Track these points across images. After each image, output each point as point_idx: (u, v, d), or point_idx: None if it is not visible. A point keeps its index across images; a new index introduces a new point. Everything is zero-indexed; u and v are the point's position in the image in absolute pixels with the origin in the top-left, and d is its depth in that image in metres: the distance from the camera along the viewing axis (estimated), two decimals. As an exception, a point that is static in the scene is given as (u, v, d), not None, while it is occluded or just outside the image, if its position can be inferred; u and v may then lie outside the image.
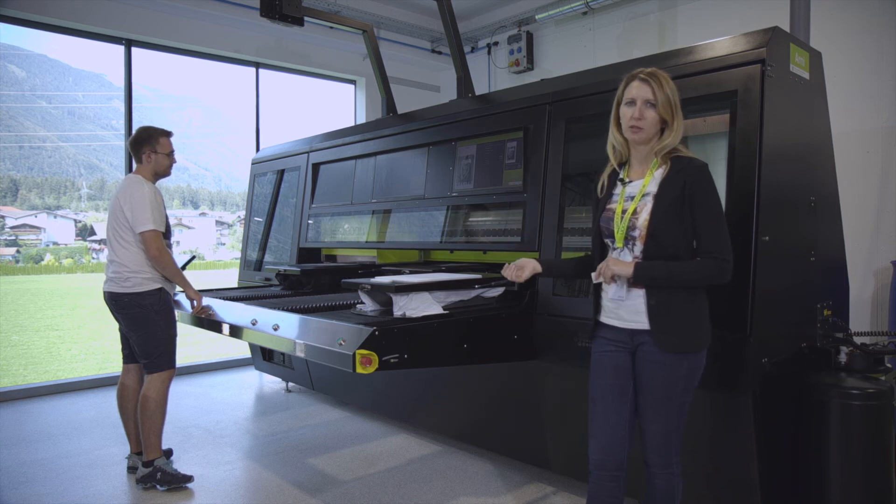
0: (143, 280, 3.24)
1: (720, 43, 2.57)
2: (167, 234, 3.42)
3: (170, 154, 3.44)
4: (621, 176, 2.12)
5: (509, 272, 2.28)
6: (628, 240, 2.02)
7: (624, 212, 2.04)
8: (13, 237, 27.36)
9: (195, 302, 3.40)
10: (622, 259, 2.04)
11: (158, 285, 3.29)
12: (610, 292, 2.08)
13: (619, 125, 2.10)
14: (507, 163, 3.39)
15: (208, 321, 3.34)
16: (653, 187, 2.01)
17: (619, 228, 2.04)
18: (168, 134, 3.46)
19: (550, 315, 2.90)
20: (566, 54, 6.60)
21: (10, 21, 5.11)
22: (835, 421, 2.34)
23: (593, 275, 2.09)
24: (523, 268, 2.26)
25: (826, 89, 2.86)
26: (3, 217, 27.82)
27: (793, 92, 2.58)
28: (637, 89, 2.01)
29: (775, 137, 2.41)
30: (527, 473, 3.32)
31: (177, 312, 3.49)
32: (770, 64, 2.39)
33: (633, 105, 2.01)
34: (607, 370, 2.09)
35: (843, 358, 2.54)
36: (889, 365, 2.57)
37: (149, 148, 3.37)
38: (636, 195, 2.03)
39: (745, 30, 2.56)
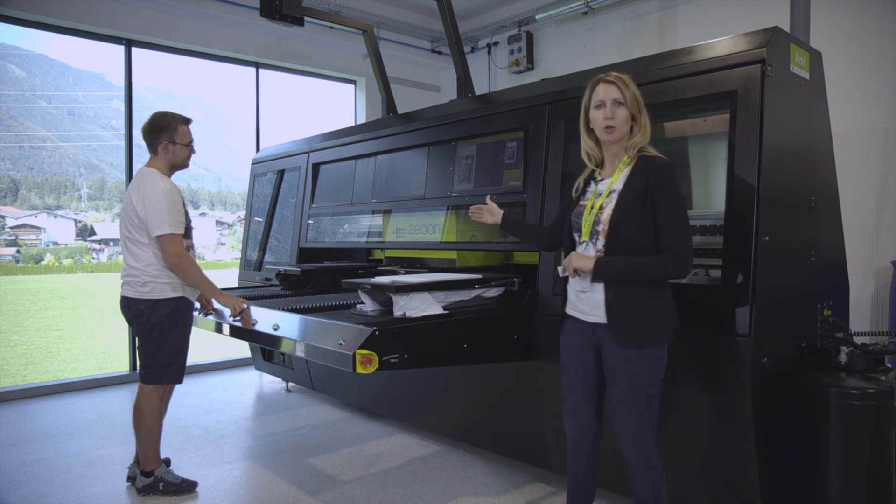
0: (162, 286, 2.98)
1: (720, 43, 2.57)
2: (187, 233, 3.09)
3: (189, 144, 3.13)
4: (595, 175, 2.22)
5: (473, 211, 2.64)
6: (593, 234, 2.11)
7: (592, 207, 2.13)
8: (13, 237, 27.35)
9: (233, 308, 3.03)
10: (587, 253, 2.13)
11: (178, 294, 3.02)
12: (575, 284, 2.17)
13: (588, 131, 2.21)
14: (507, 163, 3.39)
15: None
16: (619, 184, 2.10)
17: (585, 223, 2.14)
18: (187, 121, 3.15)
19: (550, 315, 2.89)
20: (566, 54, 6.60)
21: (10, 21, 5.11)
22: (835, 421, 2.33)
23: (559, 269, 2.19)
24: (483, 212, 2.62)
25: (826, 89, 2.86)
26: (3, 217, 27.81)
27: (793, 92, 2.58)
28: (605, 91, 2.11)
29: (775, 137, 2.41)
30: (527, 473, 3.32)
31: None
32: (770, 64, 2.39)
33: (603, 107, 2.10)
34: (576, 362, 2.21)
35: (843, 358, 2.54)
36: (889, 365, 2.57)
37: (166, 137, 3.06)
38: (604, 192, 2.13)
39: (745, 30, 2.56)
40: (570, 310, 2.22)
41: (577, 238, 2.19)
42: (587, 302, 2.13)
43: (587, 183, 2.24)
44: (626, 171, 2.11)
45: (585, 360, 2.18)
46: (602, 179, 2.18)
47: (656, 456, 2.12)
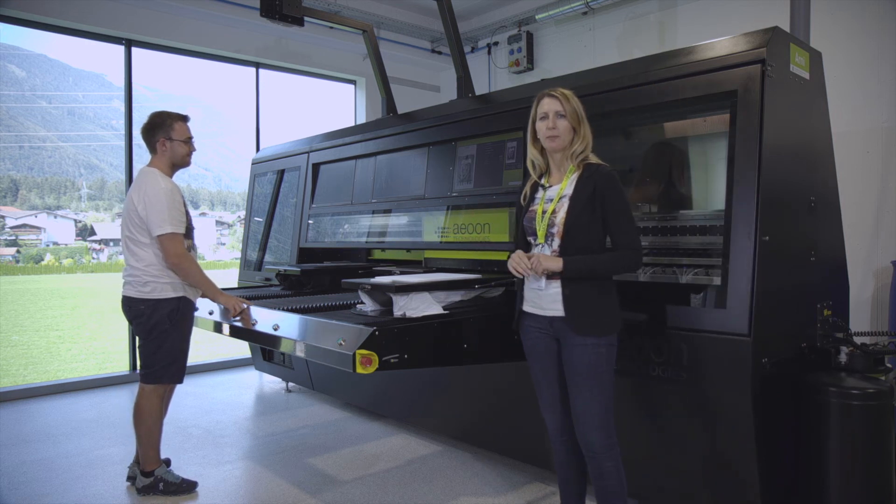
0: (163, 286, 2.99)
1: (720, 43, 2.57)
2: (189, 233, 3.09)
3: (187, 141, 3.12)
4: (542, 182, 2.39)
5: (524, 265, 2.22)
6: (548, 236, 2.28)
7: (545, 212, 2.29)
8: (13, 237, 27.33)
9: (233, 308, 3.01)
10: (543, 253, 2.27)
11: (180, 293, 3.04)
12: (531, 283, 2.31)
13: (534, 141, 2.37)
14: (506, 163, 3.39)
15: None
16: (569, 190, 2.27)
17: (540, 227, 2.30)
18: (184, 118, 3.14)
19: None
20: (566, 54, 6.60)
21: (10, 21, 5.11)
22: (835, 421, 2.34)
23: (518, 270, 2.24)
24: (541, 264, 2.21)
25: (826, 89, 2.86)
26: (3, 217, 27.80)
27: (793, 92, 2.58)
28: (548, 104, 2.29)
29: (775, 137, 2.41)
30: (527, 473, 3.32)
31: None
32: (770, 64, 2.39)
33: (547, 118, 2.28)
34: (542, 355, 2.35)
35: (843, 358, 2.54)
36: (889, 365, 2.57)
37: (162, 135, 3.06)
38: (555, 197, 2.29)
39: (745, 30, 2.56)
40: (527, 307, 2.36)
41: (532, 241, 2.34)
42: (545, 298, 2.28)
43: (534, 190, 2.40)
44: (574, 178, 2.28)
45: (551, 352, 2.32)
46: (551, 186, 2.35)
47: (617, 443, 2.26)
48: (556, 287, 2.24)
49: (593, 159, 2.31)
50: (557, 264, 2.19)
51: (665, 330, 2.53)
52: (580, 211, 2.22)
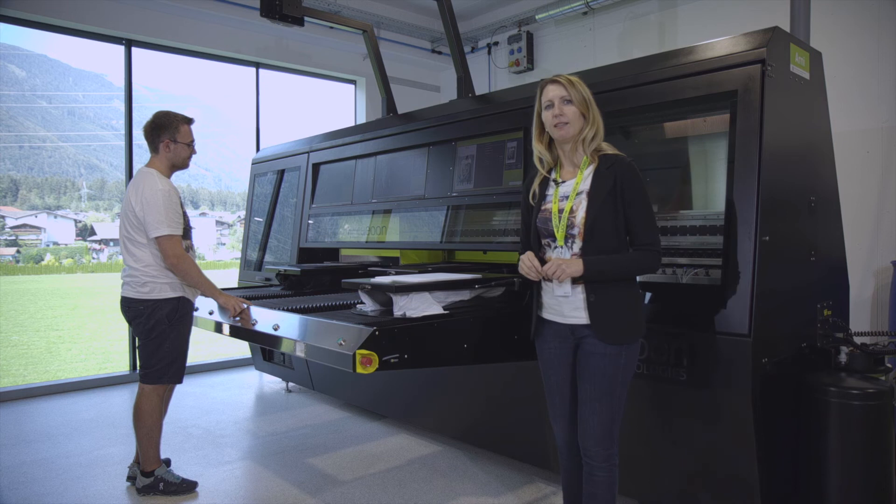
0: (162, 286, 3.00)
1: (720, 43, 2.57)
2: (187, 233, 3.12)
3: (190, 144, 3.15)
4: (553, 177, 2.22)
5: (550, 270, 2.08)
6: (568, 238, 2.12)
7: (560, 211, 2.13)
8: (13, 237, 27.32)
9: (233, 308, 3.02)
10: (564, 257, 2.13)
11: (178, 293, 3.05)
12: (555, 290, 2.16)
13: (540, 135, 2.22)
14: (507, 163, 3.39)
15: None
16: (585, 185, 2.11)
17: (558, 228, 2.13)
18: (189, 121, 3.17)
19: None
20: (566, 54, 6.60)
21: (10, 21, 5.11)
22: (835, 421, 2.34)
23: (537, 274, 2.13)
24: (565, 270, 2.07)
25: (826, 89, 2.86)
26: (3, 217, 27.78)
27: (793, 92, 2.58)
28: (552, 91, 2.14)
29: (775, 137, 2.41)
30: (527, 473, 3.32)
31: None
32: (770, 64, 2.39)
33: (552, 106, 2.13)
34: (558, 365, 2.23)
35: (843, 358, 2.54)
36: (889, 365, 2.57)
37: (168, 136, 3.08)
38: (570, 194, 2.13)
39: (745, 30, 2.56)
40: (547, 314, 2.23)
41: (550, 243, 2.18)
42: (568, 305, 2.14)
43: (545, 186, 2.23)
44: (590, 170, 2.13)
45: (568, 362, 2.21)
46: (564, 181, 2.18)
47: (617, 454, 2.17)
48: (580, 293, 2.10)
49: (609, 150, 2.15)
50: (578, 267, 2.03)
51: (665, 330, 2.53)
52: (601, 208, 2.05)
